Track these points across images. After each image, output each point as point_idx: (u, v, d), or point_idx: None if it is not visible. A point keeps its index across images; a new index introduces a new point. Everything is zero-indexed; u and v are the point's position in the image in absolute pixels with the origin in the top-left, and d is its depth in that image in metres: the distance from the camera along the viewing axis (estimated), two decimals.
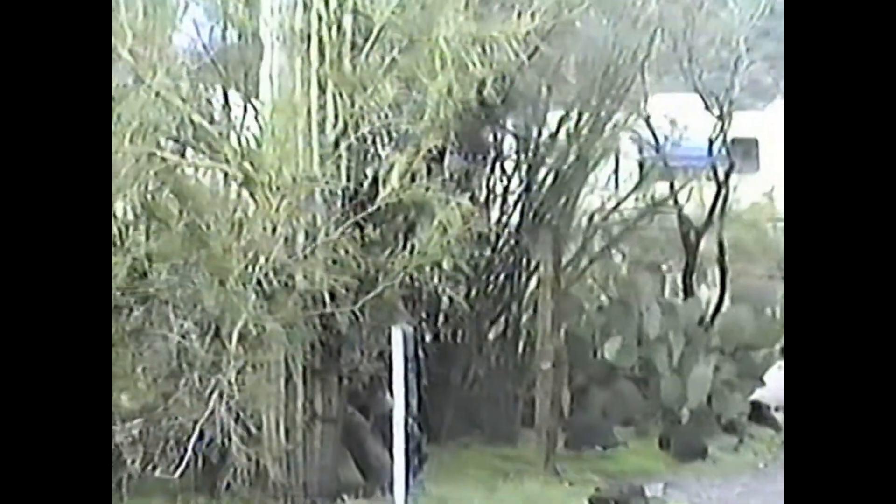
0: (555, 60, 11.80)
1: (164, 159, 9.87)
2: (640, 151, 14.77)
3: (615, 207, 14.34)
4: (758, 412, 14.03)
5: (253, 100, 10.66)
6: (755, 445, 13.10)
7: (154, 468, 9.45)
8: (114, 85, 9.50)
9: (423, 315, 11.23)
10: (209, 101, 10.67)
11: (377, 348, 9.72)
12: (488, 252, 11.83)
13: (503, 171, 12.85)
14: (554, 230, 12.21)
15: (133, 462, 9.40)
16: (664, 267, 14.73)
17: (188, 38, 11.39)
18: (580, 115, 12.83)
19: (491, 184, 12.69)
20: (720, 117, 14.76)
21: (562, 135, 12.89)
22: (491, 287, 12.38)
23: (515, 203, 12.80)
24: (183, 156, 10.21)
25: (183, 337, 9.58)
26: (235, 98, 10.98)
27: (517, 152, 12.87)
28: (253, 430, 9.57)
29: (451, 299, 10.79)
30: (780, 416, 14.01)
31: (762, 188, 26.22)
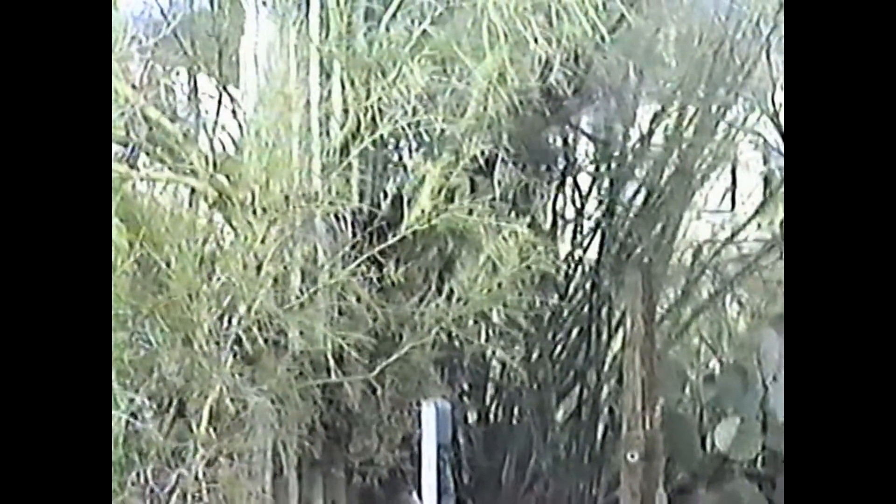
0: (648, 35, 11.92)
1: (113, 170, 9.83)
2: (766, 161, 14.77)
3: (731, 238, 14.31)
4: None
5: (230, 88, 10.76)
6: None
7: None
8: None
9: (465, 386, 11.25)
10: (170, 90, 10.64)
11: (401, 432, 9.76)
12: (555, 299, 11.81)
13: (576, 187, 12.87)
14: (645, 269, 12.15)
15: None
16: None
17: (141, 2, 11.39)
18: (682, 110, 12.92)
19: (559, 205, 12.71)
20: None
21: (657, 138, 12.96)
22: (559, 348, 12.43)
23: (593, 232, 12.85)
24: (134, 166, 10.20)
25: (133, 416, 9.54)
26: (206, 85, 11.08)
27: (595, 162, 12.95)
28: None
29: (503, 364, 10.83)
30: None
31: None
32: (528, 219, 11.04)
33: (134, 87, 9.90)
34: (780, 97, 14.14)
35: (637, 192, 12.84)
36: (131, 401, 9.52)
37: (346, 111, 10.04)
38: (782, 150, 14.30)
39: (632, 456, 11.19)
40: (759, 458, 13.05)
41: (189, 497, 9.30)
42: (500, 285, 9.97)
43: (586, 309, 12.56)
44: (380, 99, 9.93)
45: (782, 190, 14.43)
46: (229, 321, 9.58)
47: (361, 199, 10.09)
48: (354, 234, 10.04)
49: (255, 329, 9.56)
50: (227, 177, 9.95)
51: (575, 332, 12.55)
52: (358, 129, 9.96)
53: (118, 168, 9.94)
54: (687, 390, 13.25)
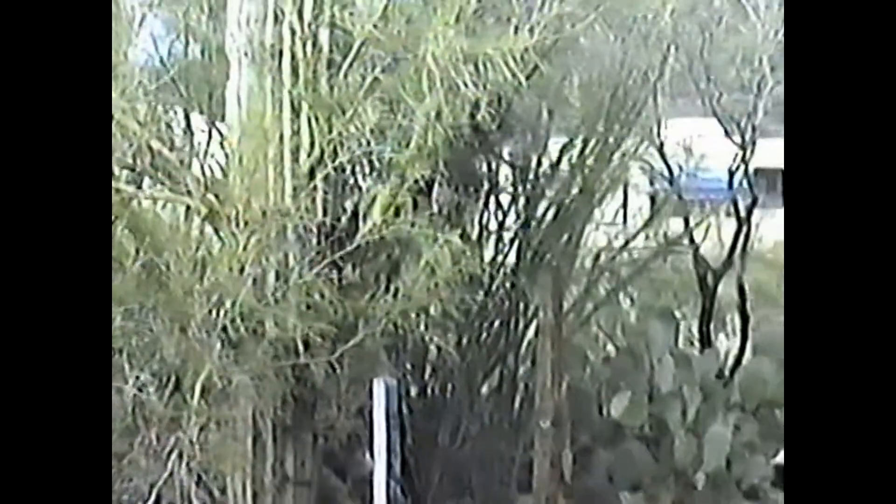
0: (556, 81, 11.85)
1: (118, 190, 9.77)
2: (652, 183, 14.90)
3: (624, 246, 14.40)
4: (781, 477, 14.00)
5: (218, 123, 10.73)
6: None
7: None
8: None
9: (408, 366, 11.26)
10: (169, 125, 10.65)
11: (356, 403, 9.77)
12: (481, 296, 11.73)
13: (498, 205, 12.88)
14: (555, 272, 12.21)
15: None
16: (678, 314, 14.72)
17: (145, 54, 11.43)
18: (585, 142, 12.89)
19: (484, 219, 12.71)
20: (742, 145, 14.86)
21: (564, 165, 12.95)
22: (484, 335, 12.39)
23: (512, 241, 12.80)
24: (139, 187, 10.26)
25: (139, 390, 9.56)
26: (198, 121, 11.02)
27: (514, 184, 12.91)
28: (216, 494, 9.64)
29: (439, 349, 10.87)
30: None
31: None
32: (459, 230, 11.04)
33: (140, 123, 9.88)
34: (664, 132, 14.28)
35: (548, 208, 12.79)
36: (137, 378, 9.51)
37: (312, 143, 9.98)
38: (665, 175, 14.43)
39: (543, 423, 11.26)
40: (647, 424, 13.15)
41: (185, 456, 9.29)
42: (436, 285, 9.95)
43: (506, 304, 12.50)
44: (339, 133, 9.92)
45: (666, 206, 14.60)
46: (217, 314, 9.54)
47: (325, 215, 10.06)
48: (319, 243, 10.05)
49: (238, 320, 9.54)
50: (216, 196, 9.93)
51: (497, 322, 12.51)
52: (322, 157, 9.95)
53: (126, 189, 9.98)
54: (588, 370, 13.27)
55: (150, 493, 9.37)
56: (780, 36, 14.14)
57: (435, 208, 10.78)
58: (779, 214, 26.45)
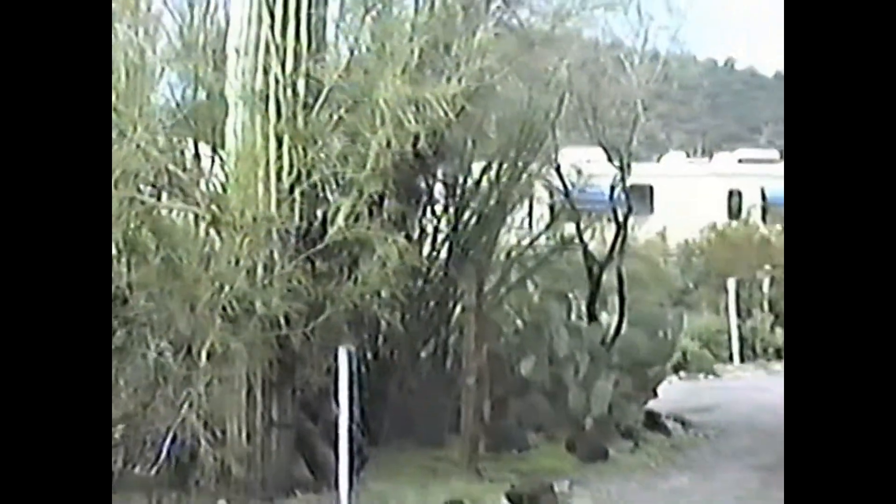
0: (478, 118, 11.79)
1: (143, 202, 9.90)
2: (551, 196, 14.74)
3: (529, 244, 14.37)
4: (651, 420, 14.12)
5: (219, 151, 10.61)
6: (648, 449, 13.14)
7: (133, 467, 9.55)
8: None
9: (365, 336, 11.16)
10: (182, 153, 10.60)
11: (325, 365, 9.72)
12: (420, 283, 11.83)
13: (434, 213, 12.80)
14: (477, 264, 12.32)
15: (115, 462, 9.45)
16: (571, 295, 14.70)
17: (164, 98, 11.37)
18: (500, 165, 12.89)
19: (423, 224, 12.63)
20: (620, 167, 14.86)
21: (484, 182, 12.90)
22: (423, 313, 12.31)
23: (444, 241, 12.77)
24: (159, 199, 10.20)
25: (159, 354, 9.56)
26: (204, 149, 10.94)
27: (446, 197, 12.85)
28: (219, 434, 9.60)
29: (388, 323, 10.89)
30: (670, 424, 14.19)
31: (655, 228, 26.56)
32: (404, 233, 11.16)
33: (160, 151, 9.90)
34: (560, 157, 14.31)
35: (471, 216, 12.80)
36: (157, 345, 9.50)
37: (291, 166, 9.97)
38: (561, 190, 14.44)
39: (468, 380, 11.31)
40: (547, 381, 13.10)
41: (194, 405, 9.28)
42: (386, 274, 9.98)
43: (439, 289, 12.50)
44: (312, 158, 9.96)
45: (562, 214, 14.62)
46: (218, 296, 9.51)
47: (301, 220, 10.07)
48: (297, 243, 10.04)
49: (234, 301, 9.55)
50: (218, 206, 9.96)
51: (433, 303, 12.49)
52: (299, 177, 9.97)
53: (149, 201, 9.96)
54: (502, 339, 13.22)
55: (167, 434, 9.37)
56: (650, 84, 14.26)
57: (385, 216, 10.74)
58: (649, 220, 26.58)
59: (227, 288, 9.60)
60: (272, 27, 10.11)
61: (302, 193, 10.12)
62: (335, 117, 10.20)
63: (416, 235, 12.28)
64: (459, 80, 10.34)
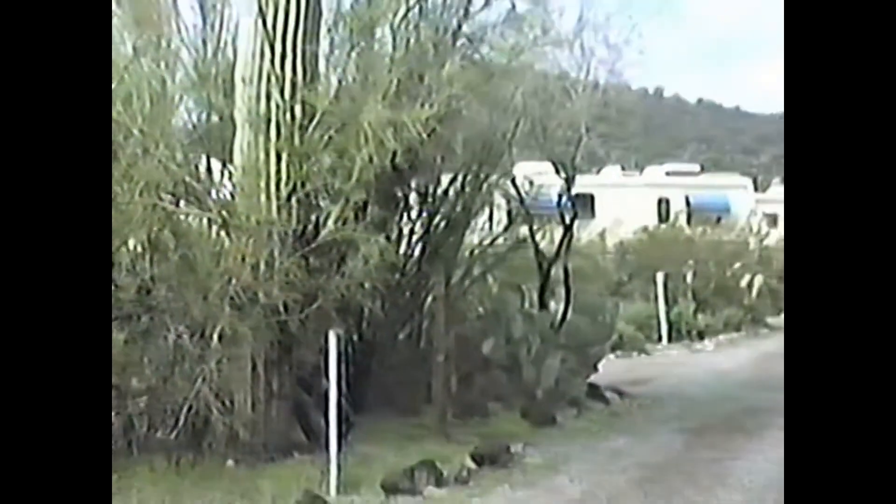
0: (447, 138, 11.73)
1: (164, 209, 9.89)
2: (508, 203, 14.75)
3: (490, 244, 14.32)
4: (592, 391, 14.15)
5: (228, 165, 10.59)
6: (590, 415, 13.20)
7: (156, 431, 9.60)
8: (128, 154, 9.65)
9: (351, 322, 10.95)
10: (197, 167, 10.60)
11: (317, 345, 9.67)
12: (398, 276, 11.77)
13: (409, 217, 12.73)
14: (445, 261, 12.37)
15: (141, 427, 9.53)
16: (524, 287, 14.79)
17: (182, 121, 11.38)
18: (465, 177, 12.89)
19: (400, 227, 12.55)
20: (566, 179, 14.97)
21: (451, 191, 12.86)
22: (400, 301, 12.23)
23: (417, 241, 12.72)
24: (177, 206, 10.18)
25: (177, 337, 9.56)
26: (216, 164, 10.92)
27: (419, 204, 12.79)
28: (228, 404, 9.60)
29: (370, 310, 10.77)
30: (608, 394, 14.23)
31: (596, 230, 26.70)
32: (384, 234, 11.17)
33: (178, 165, 9.91)
34: (516, 170, 14.37)
35: (441, 220, 12.78)
36: (176, 329, 9.50)
37: (288, 178, 9.97)
38: (517, 198, 14.49)
39: (438, 358, 11.35)
40: (505, 358, 13.16)
41: (207, 380, 9.26)
42: (369, 269, 9.98)
43: (414, 281, 12.44)
44: (307, 172, 9.98)
45: (517, 218, 14.66)
46: (227, 287, 9.53)
47: (297, 224, 10.05)
48: (293, 242, 10.00)
49: (241, 292, 9.56)
50: (227, 212, 9.99)
51: (408, 293, 12.43)
52: (295, 187, 9.97)
53: (169, 207, 9.95)
54: (467, 323, 13.23)
55: (184, 404, 9.36)
56: (591, 109, 14.32)
57: (368, 220, 10.72)
58: (590, 223, 26.64)
59: (234, 281, 9.59)
60: (272, 61, 10.12)
61: (298, 201, 10.11)
62: (326, 137, 10.18)
63: (394, 236, 12.22)
64: (431, 106, 10.36)
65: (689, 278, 23.18)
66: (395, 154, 10.25)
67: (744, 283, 26.09)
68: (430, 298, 12.26)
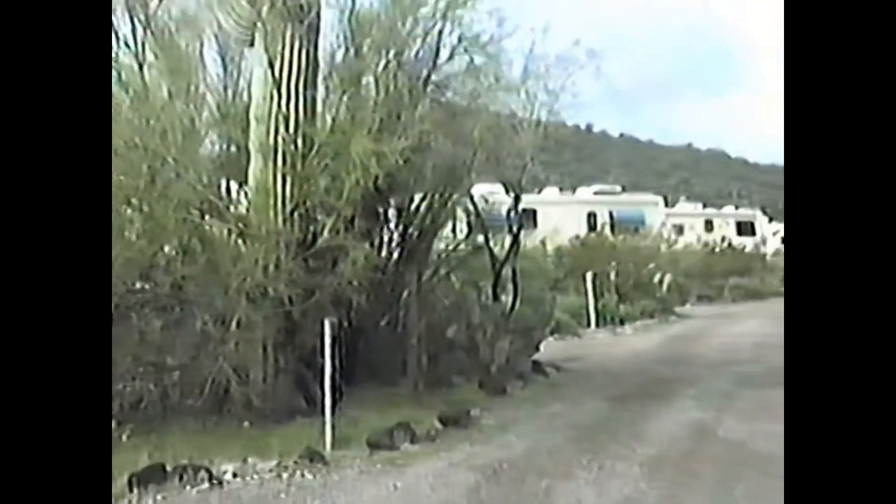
0: (419, 165, 11.70)
1: (193, 221, 9.90)
2: (468, 216, 14.71)
3: (453, 249, 14.32)
4: (535, 366, 14.19)
5: (244, 186, 10.56)
6: (534, 386, 13.21)
7: (186, 399, 9.59)
8: (164, 178, 9.63)
9: (342, 312, 10.97)
10: (219, 187, 10.58)
11: (315, 331, 9.61)
12: (380, 275, 11.72)
13: (388, 228, 12.68)
14: (418, 263, 12.35)
15: (174, 396, 9.53)
16: (481, 284, 14.79)
17: (207, 150, 11.32)
18: (433, 196, 12.84)
19: (382, 236, 12.51)
20: (514, 197, 14.97)
21: (422, 208, 12.81)
22: (381, 295, 12.15)
23: (396, 247, 12.67)
24: (203, 218, 10.17)
25: (203, 324, 9.61)
26: (234, 185, 10.88)
27: (397, 218, 12.74)
28: (244, 377, 9.62)
29: (358, 302, 10.85)
30: (548, 369, 14.26)
31: (538, 238, 26.79)
32: (368, 242, 11.26)
33: (204, 186, 9.91)
34: (474, 191, 14.34)
35: (414, 230, 12.71)
36: (203, 318, 9.56)
37: (292, 196, 9.99)
38: (474, 212, 14.50)
39: (412, 341, 11.33)
40: (466, 341, 13.16)
41: (227, 358, 9.30)
42: (357, 270, 10.01)
43: (392, 279, 12.34)
44: (307, 191, 10.01)
45: (475, 229, 14.65)
46: (244, 284, 9.52)
47: (299, 233, 10.05)
48: (296, 248, 9.98)
49: (254, 288, 9.57)
50: (244, 224, 9.96)
51: (388, 289, 12.32)
52: (297, 204, 10.00)
53: (197, 220, 9.94)
54: (436, 313, 13.12)
55: (208, 377, 9.38)
56: (536, 141, 14.30)
57: (356, 230, 10.73)
58: (534, 232, 26.62)
59: (249, 279, 9.58)
60: (279, 103, 10.15)
61: (300, 215, 10.10)
62: (322, 164, 10.18)
63: (376, 244, 12.19)
64: (406, 139, 10.39)
65: (612, 276, 23.28)
66: (377, 178, 10.22)
67: (656, 279, 26.22)
68: (405, 293, 12.18)
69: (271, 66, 10.22)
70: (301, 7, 10.24)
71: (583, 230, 31.72)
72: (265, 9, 10.25)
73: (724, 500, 7.24)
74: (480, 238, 14.63)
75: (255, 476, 8.00)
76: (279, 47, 10.24)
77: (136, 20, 10.83)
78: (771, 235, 49.05)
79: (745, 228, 45.35)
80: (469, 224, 14.87)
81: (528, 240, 21.51)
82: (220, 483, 7.76)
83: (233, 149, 11.25)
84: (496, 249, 14.82)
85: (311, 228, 10.35)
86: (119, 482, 7.38)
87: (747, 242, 40.73)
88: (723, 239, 39.21)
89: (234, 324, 9.53)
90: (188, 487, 7.61)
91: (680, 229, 39.48)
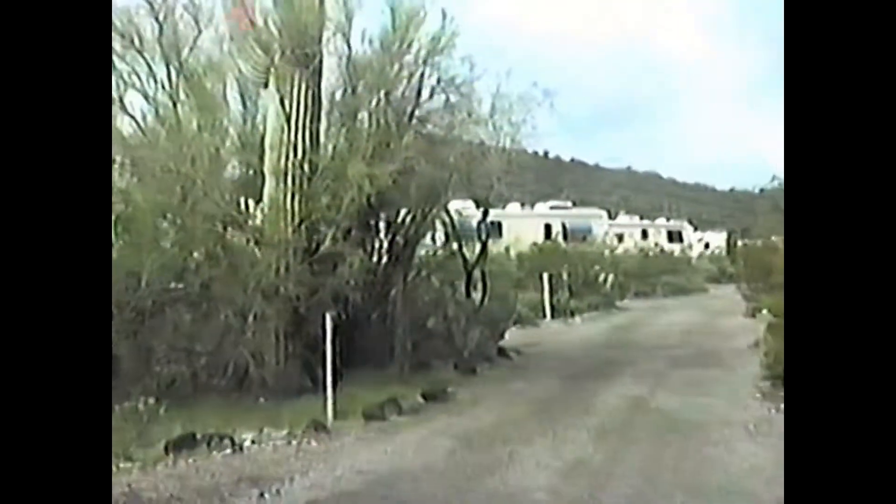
0: (405, 185, 11.62)
1: (217, 232, 9.93)
2: (445, 228, 14.64)
3: (433, 254, 14.28)
4: (501, 351, 14.18)
5: (260, 203, 10.54)
6: (499, 368, 13.22)
7: (213, 379, 9.56)
8: (194, 196, 9.64)
9: (341, 307, 10.90)
10: (238, 204, 10.53)
11: (319, 323, 9.61)
12: (372, 277, 11.71)
13: (379, 238, 12.58)
14: (403, 266, 12.32)
15: (202, 377, 9.51)
16: (455, 283, 14.76)
17: (229, 174, 11.32)
18: (417, 210, 12.71)
19: (374, 244, 12.41)
20: (483, 211, 15.02)
21: (407, 220, 12.68)
22: (373, 294, 12.05)
23: (385, 253, 12.54)
24: (225, 230, 10.15)
25: (226, 317, 9.60)
26: (252, 203, 10.77)
27: (386, 229, 12.66)
28: (260, 361, 9.62)
29: (354, 299, 10.91)
30: (511, 354, 14.26)
31: (503, 245, 26.88)
32: (363, 249, 11.31)
33: (226, 203, 9.95)
34: (451, 206, 14.32)
35: (401, 239, 12.54)
36: (226, 312, 9.56)
37: (300, 211, 10.03)
38: (450, 223, 14.50)
39: (399, 331, 11.43)
40: (444, 330, 13.09)
41: (247, 345, 9.34)
42: (353, 272, 10.15)
43: (383, 280, 12.15)
44: (312, 208, 10.07)
45: (451, 237, 14.63)
46: (259, 284, 9.57)
47: (305, 242, 10.06)
48: (303, 254, 10.00)
49: (268, 287, 9.61)
50: (260, 234, 9.99)
51: (379, 287, 12.12)
52: (304, 218, 10.06)
53: (221, 231, 9.91)
54: (418, 308, 13.02)
55: (230, 361, 9.40)
56: (501, 165, 14.30)
57: (352, 239, 10.77)
58: (499, 241, 26.67)
59: (264, 279, 9.62)
60: (289, 134, 10.21)
61: (306, 227, 10.13)
62: (325, 184, 10.21)
63: (369, 250, 12.14)
64: (394, 164, 10.44)
65: (564, 276, 23.39)
66: (370, 196, 10.31)
67: (601, 278, 26.37)
68: (393, 291, 12.17)
69: (282, 103, 10.27)
70: (307, 55, 10.30)
71: (540, 238, 31.85)
72: (277, 57, 10.31)
73: (657, 459, 7.34)
74: (455, 245, 14.58)
75: (270, 443, 8.04)
76: (289, 88, 10.30)
77: (170, 66, 10.87)
78: (696, 242, 49.55)
79: (674, 236, 45.69)
80: (446, 234, 14.78)
81: (495, 247, 21.57)
82: (241, 448, 7.82)
83: (250, 172, 11.25)
84: (468, 255, 14.78)
85: (315, 238, 10.35)
86: (158, 447, 7.44)
87: (676, 248, 41.21)
88: (656, 245, 39.72)
89: (251, 317, 9.56)
90: (214, 452, 7.67)
91: (620, 237, 39.68)
